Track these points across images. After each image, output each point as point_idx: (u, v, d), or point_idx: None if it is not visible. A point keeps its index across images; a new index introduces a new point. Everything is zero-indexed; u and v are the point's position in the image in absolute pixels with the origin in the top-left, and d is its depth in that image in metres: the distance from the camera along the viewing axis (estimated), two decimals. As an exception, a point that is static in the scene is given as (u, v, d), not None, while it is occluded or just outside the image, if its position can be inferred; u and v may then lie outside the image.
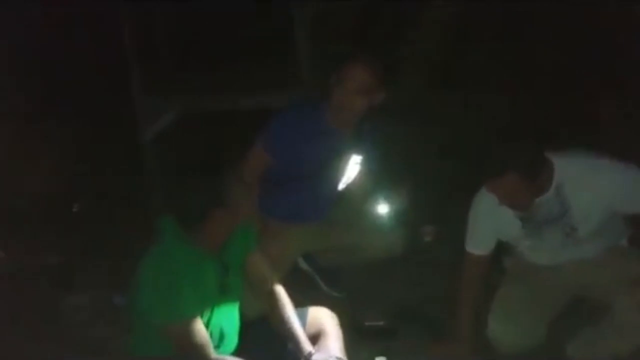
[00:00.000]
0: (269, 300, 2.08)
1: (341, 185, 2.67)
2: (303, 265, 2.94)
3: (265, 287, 2.10)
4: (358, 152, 2.61)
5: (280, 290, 2.10)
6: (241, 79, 3.87)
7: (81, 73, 3.59)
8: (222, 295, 1.98)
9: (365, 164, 2.64)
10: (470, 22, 3.64)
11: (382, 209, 2.80)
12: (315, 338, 2.06)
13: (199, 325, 1.88)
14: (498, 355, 2.36)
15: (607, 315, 2.19)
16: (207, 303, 1.92)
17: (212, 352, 1.89)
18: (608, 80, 3.26)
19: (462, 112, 3.62)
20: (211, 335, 1.93)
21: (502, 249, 2.44)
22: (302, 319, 2.08)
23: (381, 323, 2.64)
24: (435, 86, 3.79)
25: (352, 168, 2.63)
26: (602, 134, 3.19)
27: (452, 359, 2.43)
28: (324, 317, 2.14)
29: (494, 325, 2.31)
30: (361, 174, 2.66)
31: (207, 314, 1.93)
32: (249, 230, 2.09)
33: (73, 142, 3.51)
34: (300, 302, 2.16)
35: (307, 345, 1.97)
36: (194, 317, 1.86)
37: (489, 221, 2.30)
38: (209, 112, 3.83)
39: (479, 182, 2.21)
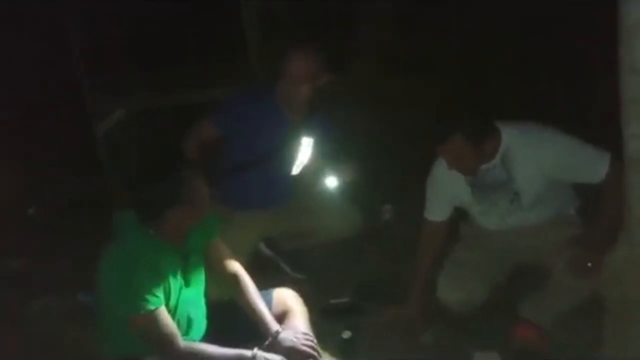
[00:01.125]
0: (233, 285, 2.11)
1: (297, 171, 2.72)
2: (265, 250, 2.97)
3: (228, 272, 2.13)
4: (311, 138, 2.66)
5: (242, 274, 2.13)
6: (192, 74, 3.88)
7: (30, 73, 3.53)
8: (186, 283, 2.00)
9: (319, 149, 2.69)
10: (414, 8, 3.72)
11: (338, 191, 2.85)
12: (281, 318, 2.10)
13: (164, 315, 1.88)
14: (449, 321, 2.46)
15: (550, 278, 2.31)
16: (171, 292, 1.93)
17: (180, 340, 1.90)
18: (556, 56, 3.37)
19: (414, 94, 3.70)
20: (179, 323, 1.94)
21: (459, 217, 2.54)
22: (267, 300, 2.12)
23: (346, 300, 2.71)
24: (386, 70, 3.86)
25: (306, 153, 2.68)
26: (551, 109, 3.31)
27: (405, 323, 2.51)
28: (288, 297, 2.18)
29: (442, 284, 2.42)
30: (315, 158, 2.71)
31: (172, 303, 1.94)
32: (212, 220, 2.10)
33: (25, 143, 3.46)
34: (265, 287, 2.19)
35: (273, 325, 2.02)
36: (157, 307, 1.87)
37: (442, 186, 2.42)
38: (159, 108, 3.83)
39: (434, 154, 2.33)
